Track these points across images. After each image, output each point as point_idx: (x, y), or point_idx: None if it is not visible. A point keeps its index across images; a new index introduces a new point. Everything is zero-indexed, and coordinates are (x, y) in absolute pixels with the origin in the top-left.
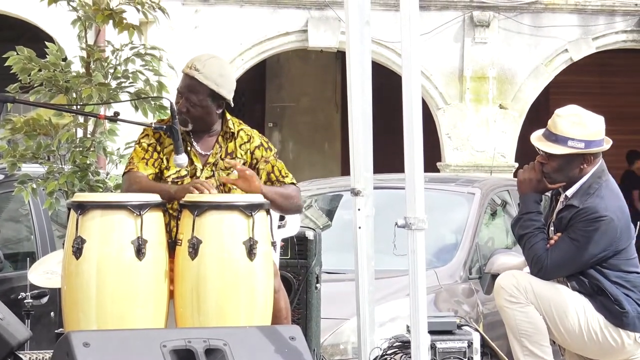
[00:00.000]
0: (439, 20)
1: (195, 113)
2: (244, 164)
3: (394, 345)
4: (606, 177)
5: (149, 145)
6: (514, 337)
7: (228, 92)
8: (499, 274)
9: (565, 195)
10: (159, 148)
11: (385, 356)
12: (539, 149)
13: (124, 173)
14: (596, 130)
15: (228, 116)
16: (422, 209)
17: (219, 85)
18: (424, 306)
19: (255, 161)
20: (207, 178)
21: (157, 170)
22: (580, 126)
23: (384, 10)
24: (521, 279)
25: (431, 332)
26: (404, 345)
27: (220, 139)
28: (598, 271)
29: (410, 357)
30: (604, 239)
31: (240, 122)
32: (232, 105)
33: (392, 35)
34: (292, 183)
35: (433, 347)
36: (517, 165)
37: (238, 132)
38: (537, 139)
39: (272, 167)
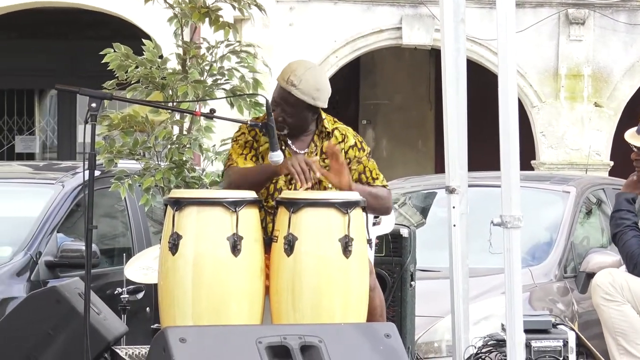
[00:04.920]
0: (534, 17)
1: (291, 122)
2: None
3: (489, 343)
4: None
5: (245, 142)
6: (609, 335)
7: (324, 102)
8: (594, 273)
9: None
10: (255, 145)
11: (480, 354)
12: (632, 145)
13: (224, 169)
14: None
15: (323, 115)
16: (518, 207)
17: (316, 99)
18: (520, 305)
19: (348, 160)
20: None
21: (254, 166)
22: None
23: (478, 8)
24: (617, 277)
25: (526, 331)
26: (499, 344)
27: (315, 137)
28: None
29: (505, 356)
30: None
31: (335, 120)
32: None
33: (487, 32)
34: (383, 186)
35: (528, 345)
36: (612, 163)
37: (333, 130)
38: (630, 136)
39: (364, 167)
